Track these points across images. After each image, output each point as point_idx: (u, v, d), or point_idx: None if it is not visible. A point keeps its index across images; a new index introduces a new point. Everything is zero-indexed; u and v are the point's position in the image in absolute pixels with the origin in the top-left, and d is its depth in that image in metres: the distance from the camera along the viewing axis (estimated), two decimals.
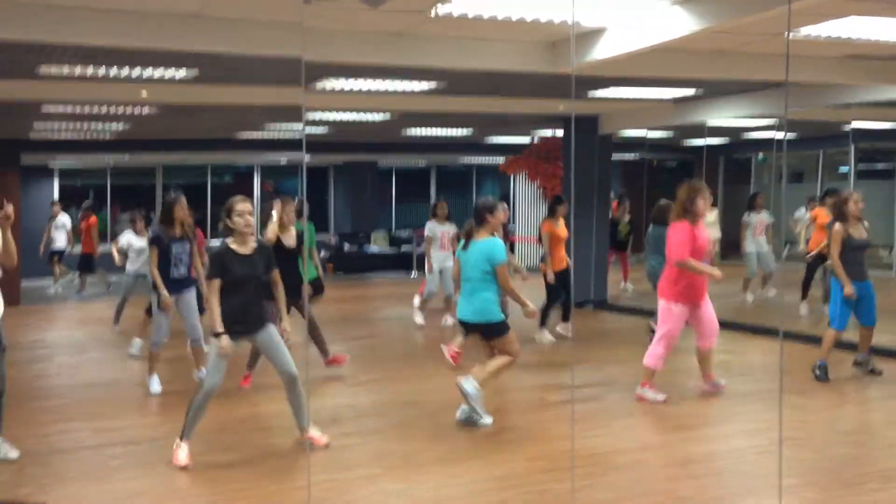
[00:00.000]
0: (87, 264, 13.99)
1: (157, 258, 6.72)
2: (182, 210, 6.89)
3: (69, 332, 10.77)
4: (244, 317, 5.07)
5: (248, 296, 5.10)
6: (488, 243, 5.88)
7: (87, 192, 18.56)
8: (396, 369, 7.96)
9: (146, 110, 10.27)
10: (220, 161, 18.58)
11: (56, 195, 17.11)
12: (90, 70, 7.17)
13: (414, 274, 16.52)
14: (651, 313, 8.40)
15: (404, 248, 18.16)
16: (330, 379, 7.54)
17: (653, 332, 8.35)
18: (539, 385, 7.19)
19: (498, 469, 5.10)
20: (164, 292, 6.71)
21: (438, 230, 10.17)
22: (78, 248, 14.10)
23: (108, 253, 14.87)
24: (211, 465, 5.20)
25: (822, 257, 8.97)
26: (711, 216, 6.40)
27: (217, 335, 4.99)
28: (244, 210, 5.05)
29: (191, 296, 6.99)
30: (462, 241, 6.11)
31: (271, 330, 5.27)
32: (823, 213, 9.53)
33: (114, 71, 7.25)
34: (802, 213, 11.61)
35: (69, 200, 16.53)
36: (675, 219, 6.56)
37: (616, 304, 11.87)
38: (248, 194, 19.17)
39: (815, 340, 8.68)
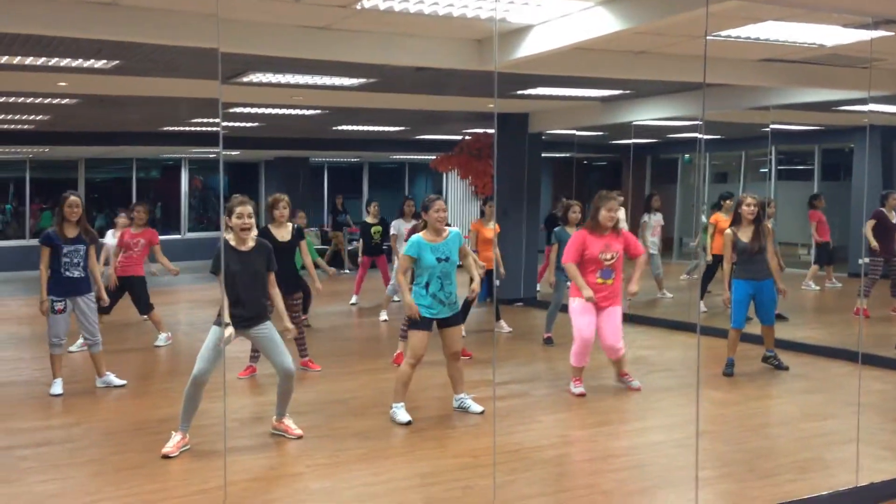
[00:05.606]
0: None
1: (47, 258, 6.72)
2: (72, 209, 6.82)
3: None
4: (241, 311, 5.34)
5: (246, 291, 5.38)
6: None
7: (7, 186, 17.95)
8: (325, 366, 7.88)
9: (66, 101, 9.94)
10: (146, 154, 18.11)
11: None
12: (5, 59, 6.90)
13: (347, 270, 16.39)
14: None
15: None
16: (254, 376, 7.44)
17: None
18: (466, 381, 7.19)
19: (422, 466, 5.10)
20: (43, 294, 6.69)
21: (404, 227, 10.25)
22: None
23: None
24: (126, 466, 5.08)
25: (719, 259, 9.11)
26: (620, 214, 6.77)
27: (219, 324, 5.23)
28: (243, 212, 5.43)
29: (86, 299, 6.86)
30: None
31: (269, 326, 5.51)
32: (721, 217, 9.83)
33: (29, 60, 7.00)
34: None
35: None
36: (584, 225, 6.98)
37: (546, 301, 11.96)
38: (177, 189, 19.02)
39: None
